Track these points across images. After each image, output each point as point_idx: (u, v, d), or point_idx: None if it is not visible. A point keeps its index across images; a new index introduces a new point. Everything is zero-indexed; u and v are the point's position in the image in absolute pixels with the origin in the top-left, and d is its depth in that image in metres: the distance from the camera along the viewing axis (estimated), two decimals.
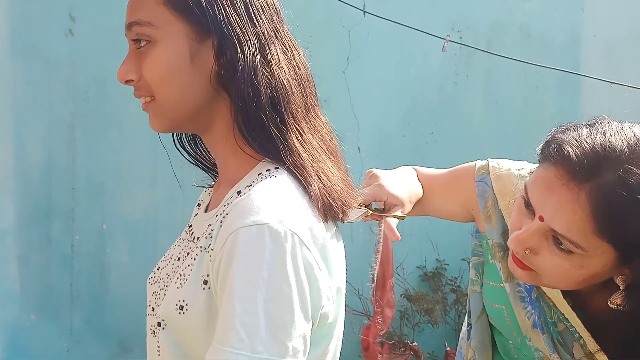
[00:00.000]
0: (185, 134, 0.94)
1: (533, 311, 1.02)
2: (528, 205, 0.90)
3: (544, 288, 1.02)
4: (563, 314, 1.00)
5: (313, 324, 0.77)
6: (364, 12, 2.76)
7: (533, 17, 3.28)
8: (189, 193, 3.01)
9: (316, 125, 0.85)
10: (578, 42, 3.34)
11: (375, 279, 2.44)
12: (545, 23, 3.30)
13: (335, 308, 0.82)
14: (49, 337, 2.99)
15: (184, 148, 0.94)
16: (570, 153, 0.84)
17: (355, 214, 0.92)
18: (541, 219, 0.87)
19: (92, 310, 3.05)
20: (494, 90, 3.29)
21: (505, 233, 1.05)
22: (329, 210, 0.81)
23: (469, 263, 1.19)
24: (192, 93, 0.80)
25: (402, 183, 1.10)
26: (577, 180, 0.84)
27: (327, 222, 0.81)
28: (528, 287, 1.03)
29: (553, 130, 0.93)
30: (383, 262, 2.41)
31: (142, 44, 0.80)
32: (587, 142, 0.85)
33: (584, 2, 3.33)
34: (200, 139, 0.93)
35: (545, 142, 0.91)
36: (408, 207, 1.09)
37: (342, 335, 0.87)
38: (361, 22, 2.98)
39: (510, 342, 1.10)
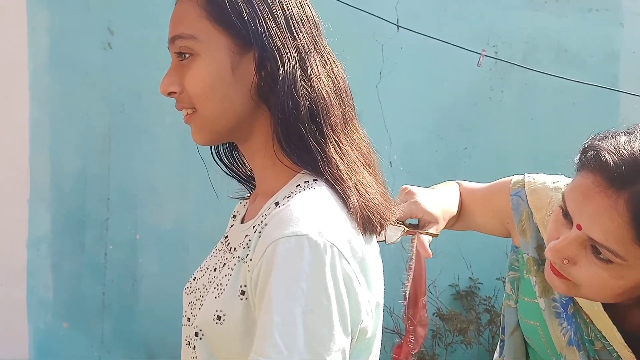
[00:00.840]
0: (223, 146, 0.95)
1: (569, 327, 0.99)
2: (566, 214, 0.88)
3: (581, 303, 0.98)
4: (601, 332, 0.97)
5: (352, 339, 0.75)
6: (398, 26, 2.76)
7: (570, 33, 3.23)
8: (219, 205, 3.03)
9: (354, 137, 0.85)
10: (617, 58, 3.27)
11: (408, 296, 2.39)
12: (583, 38, 3.25)
13: (373, 323, 0.81)
14: (80, 345, 3.03)
15: (220, 159, 0.95)
16: (608, 160, 0.83)
17: (394, 233, 0.91)
18: (579, 227, 0.86)
19: (122, 319, 3.07)
20: (530, 106, 3.24)
21: (540, 247, 1.04)
22: (368, 224, 0.80)
23: (503, 282, 1.17)
24: (232, 105, 0.81)
25: (437, 201, 1.08)
26: (615, 188, 0.82)
27: (365, 235, 0.80)
28: (564, 302, 1.00)
29: (591, 137, 0.91)
30: (415, 279, 2.37)
31: (185, 57, 0.81)
32: (625, 149, 0.83)
33: (623, 17, 3.26)
34: (238, 151, 0.94)
35: (583, 150, 0.89)
36: (441, 225, 1.08)
37: (379, 351, 0.86)
38: (394, 36, 2.98)
39: None
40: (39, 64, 2.92)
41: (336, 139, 0.81)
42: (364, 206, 0.80)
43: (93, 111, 3.00)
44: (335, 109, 0.81)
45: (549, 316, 1.02)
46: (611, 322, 0.95)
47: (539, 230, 1.04)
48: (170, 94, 0.83)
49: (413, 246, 2.25)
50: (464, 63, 2.91)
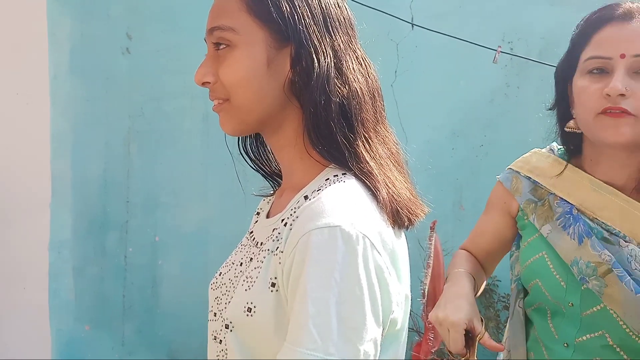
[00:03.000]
0: (250, 140, 0.97)
1: (577, 224, 1.10)
2: (599, 70, 1.04)
3: (583, 207, 1.11)
4: (605, 222, 1.08)
5: (383, 329, 0.77)
6: (412, 24, 2.75)
7: None
8: (240, 206, 3.04)
9: (384, 136, 0.86)
10: None
11: (426, 294, 2.39)
12: None
13: (402, 315, 0.82)
14: (102, 347, 3.07)
15: (246, 154, 0.97)
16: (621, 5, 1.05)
17: None
18: (622, 56, 1.01)
19: (143, 321, 3.11)
20: (547, 102, 3.21)
21: (534, 189, 1.19)
22: (397, 217, 0.81)
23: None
24: (265, 98, 0.82)
25: (461, 299, 1.14)
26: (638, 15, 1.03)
27: (394, 228, 0.82)
28: (568, 210, 1.12)
29: (582, 23, 1.11)
30: (434, 278, 2.37)
31: (222, 47, 0.82)
32: None
33: None
34: (264, 146, 0.96)
35: (585, 24, 1.10)
36: (474, 308, 1.13)
37: (406, 342, 0.88)
38: (409, 35, 2.98)
39: (548, 315, 1.13)
40: (60, 70, 2.96)
41: (366, 135, 0.82)
42: (393, 199, 0.81)
43: (113, 116, 3.04)
44: (368, 106, 0.83)
45: (557, 234, 1.12)
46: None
47: (529, 178, 1.21)
48: (204, 83, 0.84)
49: (431, 244, 2.25)
50: (480, 60, 2.90)
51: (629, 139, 1.03)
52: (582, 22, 1.11)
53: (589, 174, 1.14)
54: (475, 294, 1.23)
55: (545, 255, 1.14)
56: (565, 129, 1.14)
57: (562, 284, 1.11)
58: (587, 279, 1.07)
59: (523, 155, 1.29)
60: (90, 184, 3.04)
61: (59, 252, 3.02)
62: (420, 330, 2.78)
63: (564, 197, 1.14)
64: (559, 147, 1.22)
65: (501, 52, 2.54)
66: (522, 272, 1.19)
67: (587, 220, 1.10)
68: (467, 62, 3.06)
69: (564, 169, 1.17)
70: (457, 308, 1.10)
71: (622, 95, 1.01)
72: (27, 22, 2.90)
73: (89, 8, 2.98)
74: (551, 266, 1.13)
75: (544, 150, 1.26)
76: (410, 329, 2.88)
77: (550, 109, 1.21)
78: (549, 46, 3.18)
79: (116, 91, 3.02)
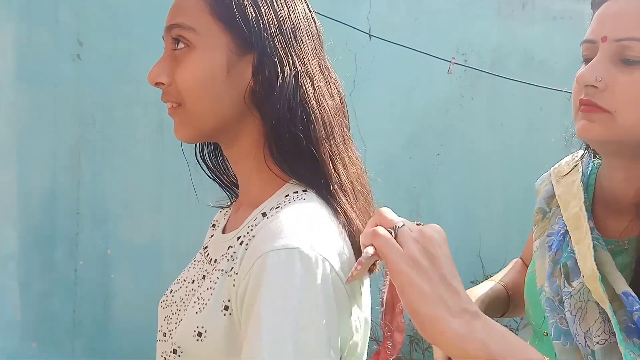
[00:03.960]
0: (208, 147, 0.92)
1: (553, 246, 0.96)
2: (587, 59, 0.89)
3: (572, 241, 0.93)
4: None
5: (342, 355, 0.73)
6: (370, 35, 2.78)
7: (536, 41, 3.29)
8: (194, 218, 2.99)
9: (348, 152, 0.83)
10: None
11: (384, 302, 2.39)
12: (549, 46, 3.32)
13: (362, 340, 0.78)
14: None
15: (204, 161, 0.92)
16: None
17: None
18: (604, 39, 0.85)
19: (94, 338, 3.00)
20: (499, 112, 3.29)
21: (549, 198, 1.05)
22: (358, 237, 0.77)
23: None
24: (222, 105, 0.77)
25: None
26: None
27: (355, 250, 0.78)
28: (559, 228, 0.98)
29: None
30: (392, 285, 2.36)
31: (180, 47, 0.77)
32: None
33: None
34: (223, 154, 0.92)
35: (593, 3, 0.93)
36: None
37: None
38: (367, 45, 3.00)
39: (536, 341, 1.04)
40: (4, 77, 2.85)
41: (330, 151, 0.79)
42: (355, 219, 0.78)
43: (62, 124, 2.94)
44: (333, 122, 0.80)
45: (541, 254, 0.99)
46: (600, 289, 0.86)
47: (552, 184, 1.05)
48: (157, 84, 0.79)
49: None
50: (435, 71, 2.95)
51: (596, 136, 0.87)
52: None
53: (604, 185, 0.95)
54: (508, 308, 1.12)
55: (536, 275, 1.01)
56: None
57: (545, 307, 0.97)
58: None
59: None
60: (37, 195, 2.93)
61: (4, 267, 2.89)
62: (379, 338, 2.78)
63: (562, 210, 0.98)
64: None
65: (455, 63, 2.59)
66: (526, 286, 1.06)
67: (568, 243, 0.94)
68: (423, 72, 3.10)
69: (570, 170, 1.01)
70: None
71: (594, 87, 0.85)
72: None
73: (36, 12, 2.88)
74: (538, 286, 1.00)
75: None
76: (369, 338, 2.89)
77: None
78: (500, 58, 3.26)
79: (65, 99, 2.93)
